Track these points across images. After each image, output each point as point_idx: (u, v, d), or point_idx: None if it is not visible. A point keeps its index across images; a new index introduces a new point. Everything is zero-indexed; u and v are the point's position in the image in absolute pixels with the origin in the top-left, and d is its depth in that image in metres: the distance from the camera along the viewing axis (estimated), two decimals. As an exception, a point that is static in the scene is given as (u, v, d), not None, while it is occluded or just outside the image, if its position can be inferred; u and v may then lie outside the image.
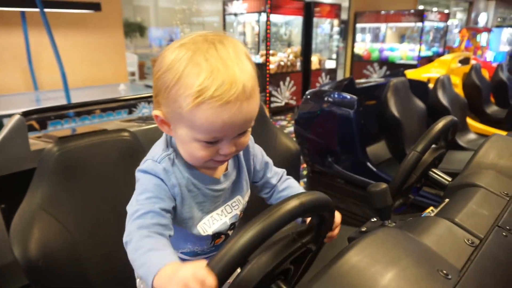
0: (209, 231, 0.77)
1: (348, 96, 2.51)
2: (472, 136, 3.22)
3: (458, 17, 14.30)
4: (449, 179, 1.04)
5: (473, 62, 4.68)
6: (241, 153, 0.82)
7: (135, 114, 2.70)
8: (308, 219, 0.67)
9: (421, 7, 11.57)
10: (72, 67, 3.68)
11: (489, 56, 10.96)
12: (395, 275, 0.42)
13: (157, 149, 0.75)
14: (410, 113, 2.82)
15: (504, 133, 3.57)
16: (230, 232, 0.83)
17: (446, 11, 9.74)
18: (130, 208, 0.67)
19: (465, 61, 4.75)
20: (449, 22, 9.74)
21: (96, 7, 3.75)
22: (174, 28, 10.19)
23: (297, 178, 1.64)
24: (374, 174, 2.28)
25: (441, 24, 9.20)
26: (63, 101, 3.16)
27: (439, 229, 0.59)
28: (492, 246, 0.58)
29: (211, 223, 0.78)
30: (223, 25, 6.94)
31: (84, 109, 2.34)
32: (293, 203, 0.51)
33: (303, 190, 0.89)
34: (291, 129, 2.67)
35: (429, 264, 0.47)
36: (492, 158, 0.88)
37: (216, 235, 0.79)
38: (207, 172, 0.76)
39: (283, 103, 6.30)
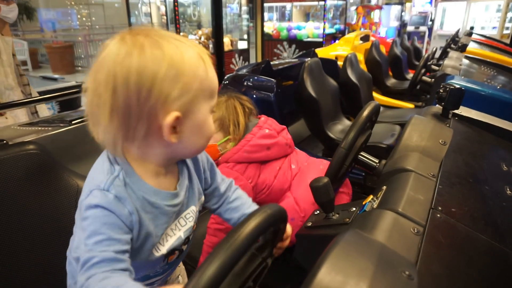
0: (163, 250, 0.68)
1: (267, 79, 2.53)
2: (378, 109, 3.51)
3: (354, -5, 15.38)
4: (376, 160, 1.10)
5: (372, 39, 5.08)
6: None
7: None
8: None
9: (321, -14, 12.11)
10: None
11: (382, 31, 12.07)
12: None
13: (99, 173, 0.62)
14: (325, 91, 2.96)
15: (408, 104, 3.89)
16: (184, 247, 0.75)
17: (344, -11, 10.38)
18: (80, 255, 0.56)
19: (365, 38, 5.14)
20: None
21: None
22: (68, 9, 9.10)
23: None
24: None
25: (340, 2, 9.79)
26: None
27: (387, 223, 0.62)
28: (433, 231, 0.63)
29: (165, 241, 0.69)
30: (127, 6, 6.41)
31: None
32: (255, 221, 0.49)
33: (250, 201, 0.86)
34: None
35: (393, 267, 0.48)
36: (415, 140, 0.95)
37: (170, 252, 0.71)
38: (162, 185, 0.67)
39: (198, 87, 6.14)
